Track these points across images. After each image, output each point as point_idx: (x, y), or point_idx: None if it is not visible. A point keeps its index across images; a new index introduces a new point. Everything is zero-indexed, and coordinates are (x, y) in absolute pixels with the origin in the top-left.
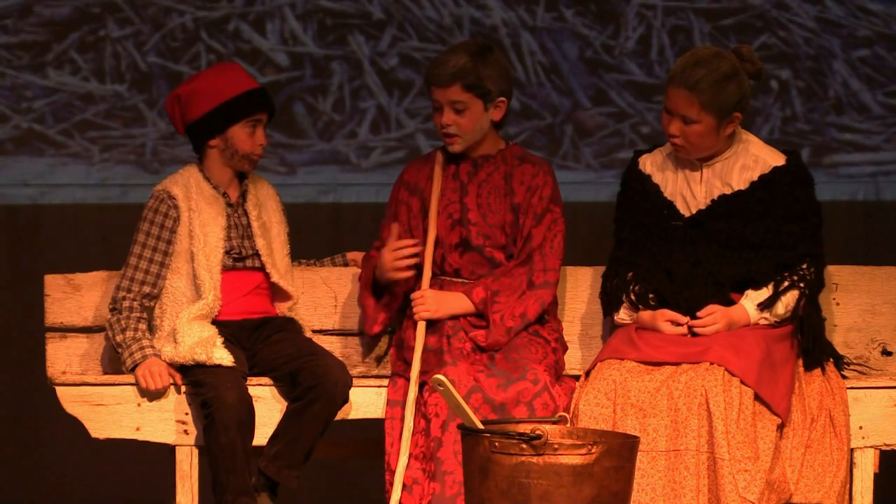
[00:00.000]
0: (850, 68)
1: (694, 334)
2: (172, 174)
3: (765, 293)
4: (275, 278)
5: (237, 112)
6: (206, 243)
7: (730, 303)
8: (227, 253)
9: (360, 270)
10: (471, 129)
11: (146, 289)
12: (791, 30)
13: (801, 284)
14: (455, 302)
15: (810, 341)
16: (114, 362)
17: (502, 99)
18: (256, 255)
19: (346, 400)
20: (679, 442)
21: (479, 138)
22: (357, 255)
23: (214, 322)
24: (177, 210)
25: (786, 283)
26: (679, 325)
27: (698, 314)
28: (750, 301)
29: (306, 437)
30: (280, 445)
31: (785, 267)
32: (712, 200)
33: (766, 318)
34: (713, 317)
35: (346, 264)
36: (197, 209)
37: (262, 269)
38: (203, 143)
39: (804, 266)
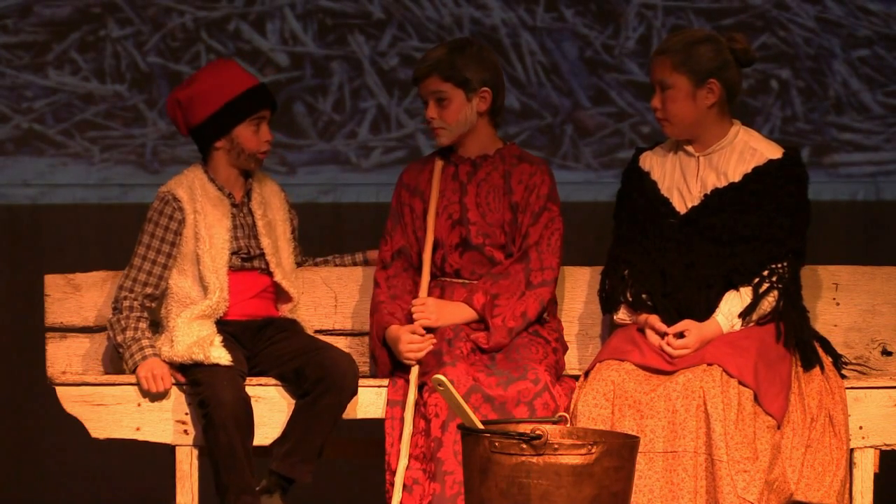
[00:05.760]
0: (850, 68)
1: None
2: (177, 175)
3: (743, 302)
4: (278, 277)
5: (240, 112)
6: (212, 245)
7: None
8: (235, 253)
9: (359, 269)
10: (455, 121)
11: (148, 289)
12: (791, 30)
13: (780, 285)
14: (456, 311)
15: (792, 341)
16: (115, 362)
17: (486, 89)
18: (262, 254)
19: (355, 391)
20: (677, 444)
21: (466, 130)
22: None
23: (218, 321)
24: (182, 212)
25: (765, 286)
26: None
27: (668, 330)
28: (723, 315)
29: (318, 431)
30: (291, 442)
31: (771, 260)
32: (705, 195)
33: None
34: (685, 341)
35: (366, 262)
36: (202, 211)
37: (268, 271)
38: (208, 145)
39: (784, 264)
